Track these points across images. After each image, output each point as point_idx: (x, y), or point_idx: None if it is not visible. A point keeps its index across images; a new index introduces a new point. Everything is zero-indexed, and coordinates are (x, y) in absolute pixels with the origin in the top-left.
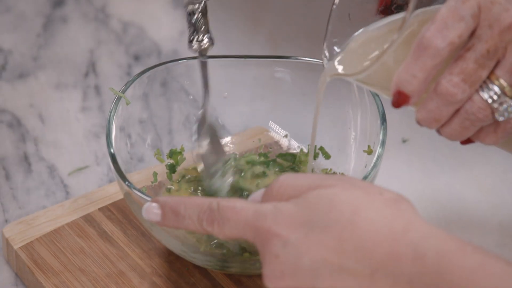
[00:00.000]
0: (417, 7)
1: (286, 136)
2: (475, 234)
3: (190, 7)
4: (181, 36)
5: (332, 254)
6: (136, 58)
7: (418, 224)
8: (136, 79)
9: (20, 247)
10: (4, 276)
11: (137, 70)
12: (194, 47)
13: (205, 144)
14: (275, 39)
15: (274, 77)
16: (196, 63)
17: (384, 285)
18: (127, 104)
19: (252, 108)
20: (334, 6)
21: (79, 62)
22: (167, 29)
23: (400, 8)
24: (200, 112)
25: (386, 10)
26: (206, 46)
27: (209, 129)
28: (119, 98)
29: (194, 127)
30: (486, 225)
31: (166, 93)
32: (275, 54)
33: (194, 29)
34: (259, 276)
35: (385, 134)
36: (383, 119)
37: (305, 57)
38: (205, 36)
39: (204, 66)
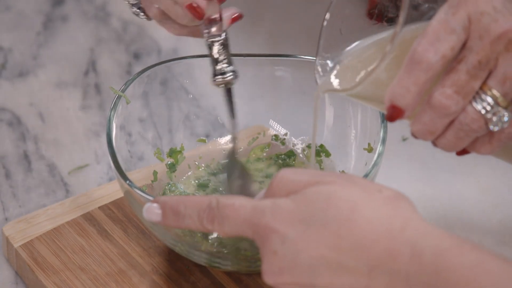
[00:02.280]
0: (407, 21)
1: (286, 134)
2: (475, 233)
3: (209, 40)
4: None
5: (330, 251)
6: (136, 56)
7: (416, 222)
8: (136, 78)
9: (20, 246)
10: (4, 275)
11: (137, 68)
12: (217, 81)
13: (235, 184)
14: (275, 37)
15: (274, 75)
16: (195, 62)
17: (382, 283)
18: (127, 103)
19: (252, 107)
20: (325, 22)
21: (79, 60)
22: None
23: (391, 20)
24: (230, 147)
25: (379, 18)
26: (229, 79)
27: (239, 169)
28: (119, 97)
29: (222, 162)
30: (486, 224)
31: (166, 92)
32: (275, 52)
33: (216, 62)
34: (259, 274)
35: (385, 132)
36: (384, 117)
37: (305, 56)
38: (228, 68)
39: (229, 97)
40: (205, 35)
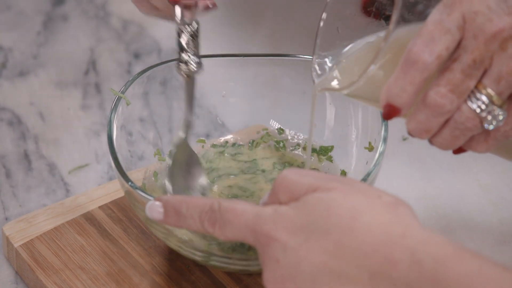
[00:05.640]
0: (401, 19)
1: (286, 133)
2: (475, 232)
3: (180, 27)
4: None
5: (331, 259)
6: (136, 56)
7: (416, 229)
8: (136, 78)
9: (20, 245)
10: (5, 274)
11: (137, 68)
12: (182, 70)
13: (179, 172)
14: (275, 37)
15: (274, 75)
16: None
17: None
18: (128, 104)
19: (253, 107)
20: (322, 22)
21: (79, 60)
22: (167, 27)
23: (389, 18)
24: (179, 135)
25: (377, 15)
26: (194, 69)
27: (187, 155)
28: (119, 98)
29: (172, 147)
30: (486, 223)
31: (166, 92)
32: (275, 52)
33: (182, 50)
34: (260, 274)
35: (386, 131)
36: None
37: (305, 55)
38: (193, 59)
39: (190, 88)
40: (177, 20)
